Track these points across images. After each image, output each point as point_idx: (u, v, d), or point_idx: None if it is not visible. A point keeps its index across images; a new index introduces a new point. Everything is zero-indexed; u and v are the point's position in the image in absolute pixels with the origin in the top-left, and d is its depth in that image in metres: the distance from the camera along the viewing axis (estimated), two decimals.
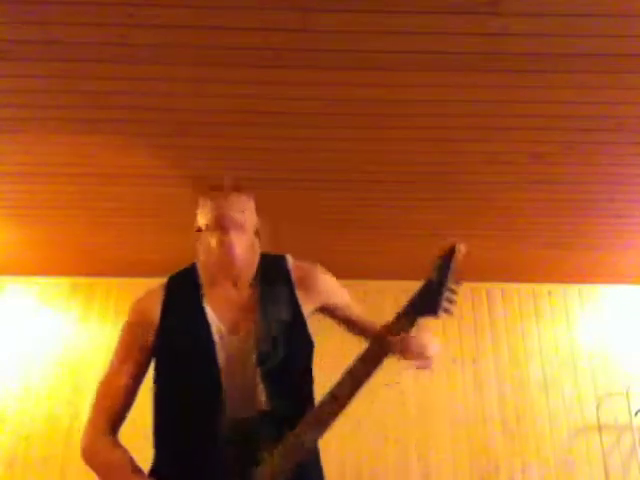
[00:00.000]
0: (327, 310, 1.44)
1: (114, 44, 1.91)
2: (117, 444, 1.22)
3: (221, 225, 1.27)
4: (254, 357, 1.23)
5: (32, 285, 3.85)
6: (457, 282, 1.22)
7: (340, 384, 1.15)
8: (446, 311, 1.19)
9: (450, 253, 1.24)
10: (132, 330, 1.30)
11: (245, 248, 1.30)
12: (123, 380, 1.27)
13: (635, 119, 2.26)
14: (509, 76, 2.05)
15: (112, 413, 1.25)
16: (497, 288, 3.87)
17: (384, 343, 1.18)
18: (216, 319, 1.28)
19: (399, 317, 1.21)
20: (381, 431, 3.44)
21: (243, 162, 2.58)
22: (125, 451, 1.21)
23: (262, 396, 1.21)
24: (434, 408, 3.53)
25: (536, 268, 3.67)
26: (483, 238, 3.29)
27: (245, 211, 1.32)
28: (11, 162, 2.59)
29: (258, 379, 1.22)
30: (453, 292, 1.20)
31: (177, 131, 2.37)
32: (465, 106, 2.21)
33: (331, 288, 1.43)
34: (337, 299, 1.44)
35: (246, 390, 1.23)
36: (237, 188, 1.35)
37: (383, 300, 3.80)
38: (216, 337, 1.25)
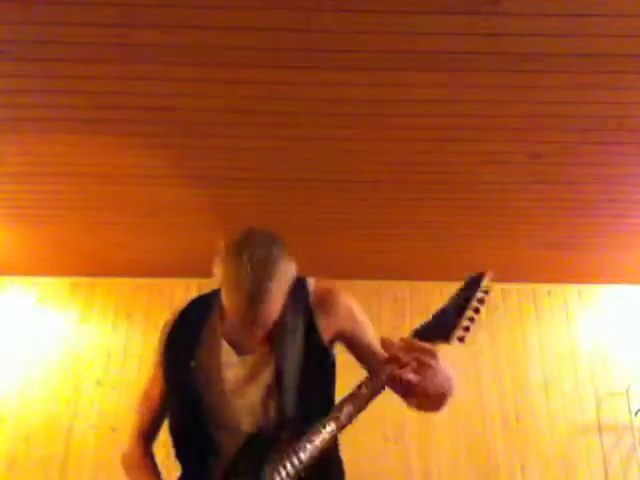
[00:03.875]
0: (345, 341, 1.32)
1: (114, 44, 1.91)
2: (143, 462, 1.31)
3: (252, 327, 1.16)
4: (269, 377, 1.22)
5: (32, 285, 3.85)
6: (477, 311, 1.07)
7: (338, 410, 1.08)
8: (460, 340, 1.05)
9: (477, 279, 1.11)
10: (155, 351, 1.36)
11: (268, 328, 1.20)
12: (149, 399, 1.35)
13: (635, 119, 2.26)
14: (509, 76, 2.05)
15: (143, 427, 1.35)
16: (497, 288, 3.87)
17: (382, 371, 1.05)
18: (226, 344, 1.26)
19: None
20: (381, 431, 3.44)
21: (243, 162, 2.58)
22: (148, 472, 1.29)
23: (273, 412, 1.21)
24: None
25: (536, 268, 3.67)
26: (483, 238, 3.29)
27: (275, 307, 1.13)
28: (11, 162, 2.59)
29: (272, 397, 1.21)
30: (472, 321, 1.07)
31: (177, 131, 2.37)
32: (465, 106, 2.21)
33: (353, 316, 1.31)
34: (357, 331, 1.30)
35: (255, 407, 1.23)
36: (268, 272, 1.10)
37: (382, 300, 3.80)
38: (224, 359, 1.25)
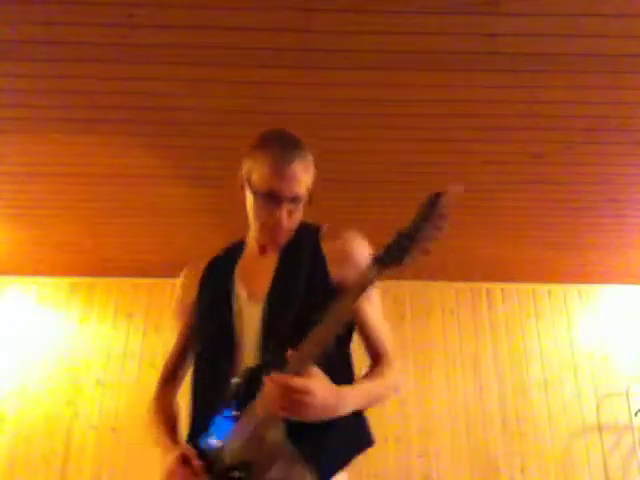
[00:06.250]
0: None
1: (114, 44, 1.92)
2: (164, 399, 1.31)
3: (278, 199, 1.23)
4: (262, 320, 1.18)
5: (32, 285, 3.85)
6: (439, 228, 1.00)
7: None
8: (414, 259, 1.01)
9: (437, 197, 1.03)
10: (178, 292, 1.37)
11: (294, 221, 1.29)
12: (177, 340, 1.36)
13: (635, 119, 2.26)
14: (509, 76, 2.05)
15: (169, 368, 1.35)
16: (497, 288, 3.87)
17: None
18: (240, 287, 1.26)
19: (362, 272, 1.05)
20: (381, 431, 3.44)
21: None
22: (166, 409, 1.29)
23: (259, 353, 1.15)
24: (434, 408, 3.53)
25: (536, 268, 3.67)
26: (483, 238, 3.29)
27: (303, 181, 1.27)
28: (11, 162, 2.59)
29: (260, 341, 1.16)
30: (431, 238, 1.02)
31: (177, 131, 2.37)
32: (465, 106, 2.21)
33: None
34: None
35: (254, 353, 1.17)
36: (299, 146, 1.26)
37: (383, 300, 3.80)
38: (235, 305, 1.23)
